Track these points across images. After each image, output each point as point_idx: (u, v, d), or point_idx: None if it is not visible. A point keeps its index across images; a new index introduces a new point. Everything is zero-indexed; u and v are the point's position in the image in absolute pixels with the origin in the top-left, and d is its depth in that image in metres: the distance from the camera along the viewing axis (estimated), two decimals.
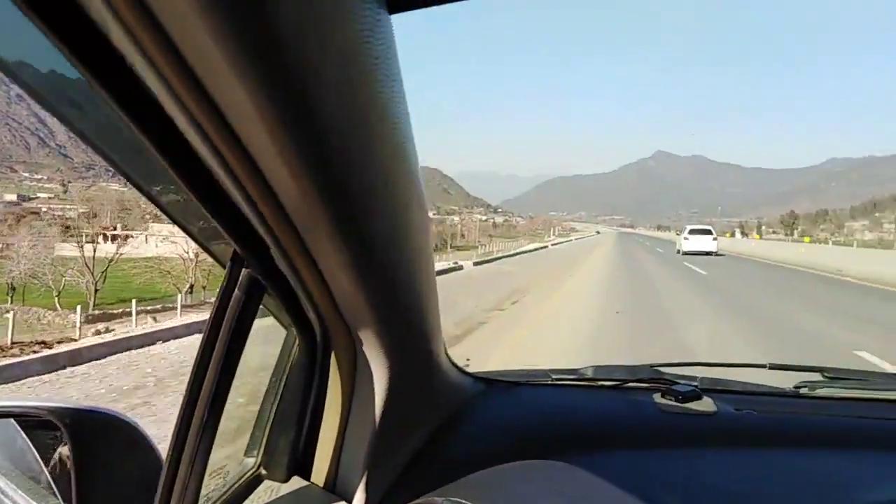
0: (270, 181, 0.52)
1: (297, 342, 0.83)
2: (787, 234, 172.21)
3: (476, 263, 21.81)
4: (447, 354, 1.04)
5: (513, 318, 9.38)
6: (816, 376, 1.28)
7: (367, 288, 0.68)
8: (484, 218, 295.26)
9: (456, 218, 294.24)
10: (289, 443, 0.85)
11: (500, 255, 32.50)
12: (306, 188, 0.53)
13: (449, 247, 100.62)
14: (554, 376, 1.27)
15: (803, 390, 1.23)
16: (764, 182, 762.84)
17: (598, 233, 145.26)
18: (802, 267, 22.47)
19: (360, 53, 0.48)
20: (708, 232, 30.73)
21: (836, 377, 1.28)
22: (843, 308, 10.79)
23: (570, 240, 71.33)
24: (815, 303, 11.68)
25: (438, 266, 18.95)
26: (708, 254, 28.84)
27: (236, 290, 0.64)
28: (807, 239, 50.13)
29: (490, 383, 1.21)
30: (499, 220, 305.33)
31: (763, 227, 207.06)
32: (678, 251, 30.92)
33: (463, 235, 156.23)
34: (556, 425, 1.11)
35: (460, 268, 19.91)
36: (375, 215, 0.61)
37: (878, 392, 1.25)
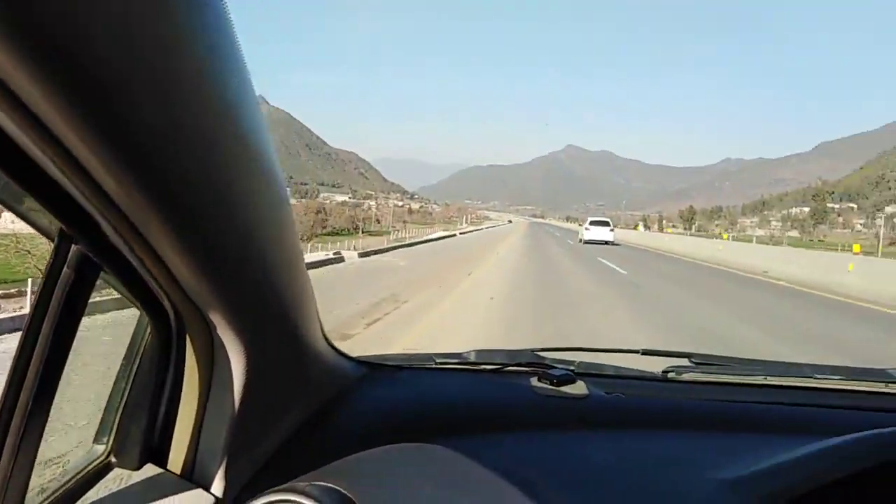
0: (73, 151, 0.47)
1: (149, 324, 0.78)
2: (685, 228, 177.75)
3: (363, 255, 18.00)
4: (326, 338, 1.02)
5: (362, 349, 5.81)
6: (685, 361, 1.31)
7: (212, 273, 0.64)
8: (400, 204, 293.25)
9: (372, 203, 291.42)
10: (141, 429, 0.80)
11: (404, 242, 29.20)
12: (115, 170, 0.48)
13: (361, 231, 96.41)
14: (437, 360, 1.27)
15: (671, 374, 1.26)
16: (665, 178, 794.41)
17: (510, 222, 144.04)
18: (727, 267, 20.29)
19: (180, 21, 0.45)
20: (606, 223, 33.11)
21: (702, 362, 1.31)
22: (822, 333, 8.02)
23: (482, 228, 68.44)
24: (787, 327, 8.85)
25: (312, 258, 15.17)
26: (606, 243, 30.99)
27: (65, 267, 0.59)
28: (725, 236, 49.23)
29: (373, 367, 1.21)
30: (415, 206, 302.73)
31: (664, 221, 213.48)
32: (580, 240, 32.76)
33: (378, 220, 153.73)
34: (436, 409, 1.11)
35: (340, 259, 16.10)
36: (213, 199, 0.57)
37: (738, 376, 1.29)
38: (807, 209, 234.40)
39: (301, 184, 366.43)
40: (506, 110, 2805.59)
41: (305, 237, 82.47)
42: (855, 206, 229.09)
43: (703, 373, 1.28)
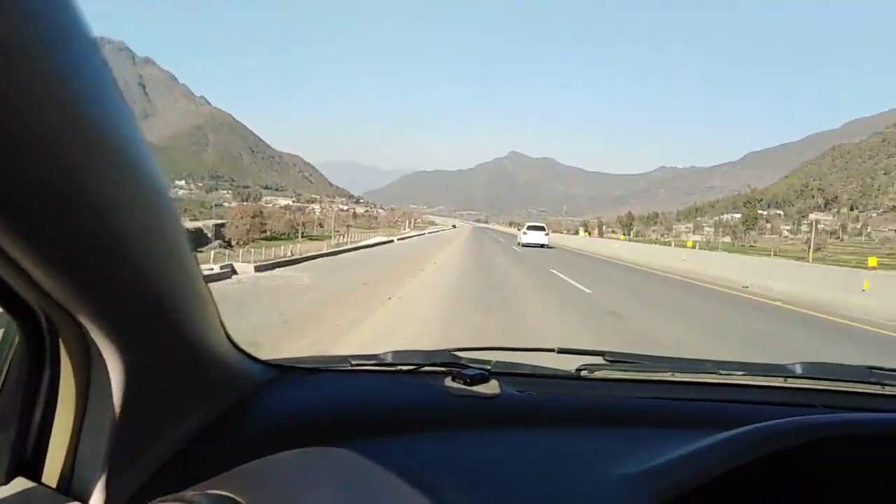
0: None
1: (18, 329, 0.72)
2: (625, 234, 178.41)
3: (260, 268, 14.00)
4: (231, 340, 0.98)
5: None
6: (598, 359, 1.32)
7: (74, 275, 0.59)
8: (345, 208, 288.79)
9: (317, 207, 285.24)
10: (9, 441, 0.73)
11: (343, 248, 25.26)
12: None
13: (301, 235, 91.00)
14: (353, 362, 1.25)
15: (583, 372, 1.27)
16: (604, 185, 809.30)
17: (454, 226, 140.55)
18: (697, 280, 17.26)
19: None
20: (542, 228, 35.97)
21: (615, 360, 1.32)
22: None
23: (424, 233, 63.12)
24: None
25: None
26: (542, 246, 33.47)
27: None
28: (689, 243, 46.27)
29: (284, 370, 1.17)
30: (360, 210, 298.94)
31: (603, 227, 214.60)
32: (519, 243, 35.33)
33: (321, 224, 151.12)
34: (348, 411, 1.09)
35: (227, 275, 12.10)
36: (62, 198, 0.52)
37: (647, 373, 1.32)
38: (738, 215, 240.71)
39: (243, 187, 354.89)
40: (451, 116, 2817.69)
41: (241, 242, 77.40)
42: (781, 212, 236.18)
43: (615, 370, 1.30)
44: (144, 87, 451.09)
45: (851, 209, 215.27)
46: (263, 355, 1.07)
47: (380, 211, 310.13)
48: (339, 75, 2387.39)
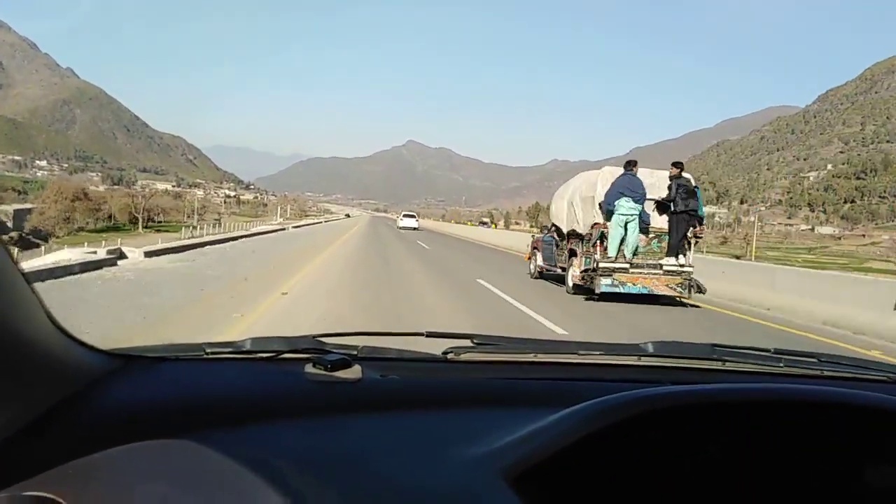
0: None
1: None
2: (531, 226, 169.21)
3: None
4: (59, 327, 0.88)
5: None
6: (467, 342, 1.31)
7: None
8: (232, 194, 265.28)
9: (200, 192, 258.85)
10: None
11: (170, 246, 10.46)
12: None
13: (143, 227, 69.36)
14: (208, 350, 1.18)
15: (450, 355, 1.25)
16: (500, 177, 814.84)
17: (347, 216, 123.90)
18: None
19: None
20: (413, 216, 50.28)
21: (482, 343, 1.32)
22: None
23: (301, 225, 45.81)
24: None
25: None
26: (414, 229, 43.68)
27: None
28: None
29: (129, 360, 1.07)
30: (249, 196, 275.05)
31: (510, 218, 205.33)
32: (398, 227, 45.81)
33: (199, 212, 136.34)
34: (199, 401, 1.00)
35: None
36: None
37: (511, 354, 1.33)
38: None
39: (117, 169, 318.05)
40: (347, 101, 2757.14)
41: (53, 233, 57.91)
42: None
43: (480, 352, 1.29)
44: None
45: (741, 202, 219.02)
46: None
47: (271, 198, 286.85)
48: (230, 55, 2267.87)
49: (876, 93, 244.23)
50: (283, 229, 36.27)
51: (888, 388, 1.35)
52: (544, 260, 12.36)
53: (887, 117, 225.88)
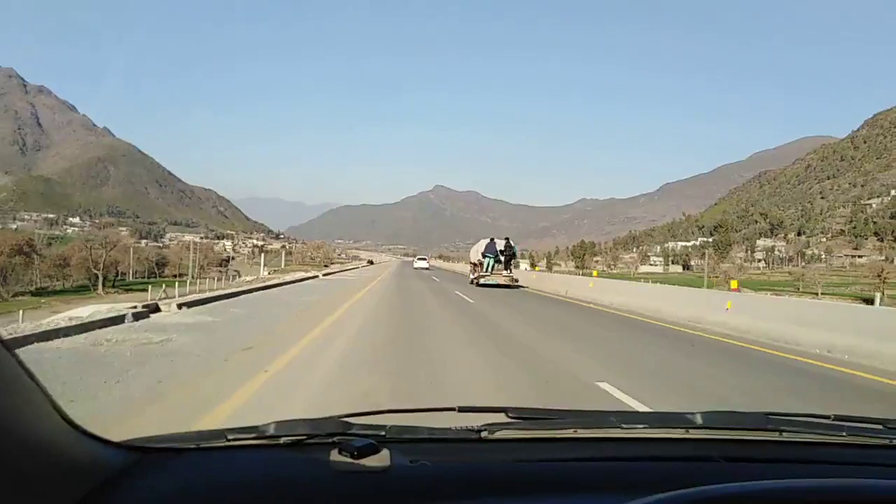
0: None
1: None
2: (577, 266, 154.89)
3: None
4: (72, 424, 0.83)
5: None
6: (501, 416, 1.22)
7: None
8: (261, 243, 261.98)
9: (228, 242, 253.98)
10: None
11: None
12: None
13: (103, 286, 55.23)
14: (230, 436, 1.10)
15: (484, 434, 1.16)
16: (528, 217, 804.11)
17: (370, 262, 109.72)
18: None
19: None
20: (424, 258, 72.52)
21: (517, 417, 1.23)
22: None
23: (306, 278, 30.11)
24: None
25: None
26: (426, 269, 55.69)
27: None
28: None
29: (146, 452, 1.01)
30: (276, 245, 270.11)
31: (553, 259, 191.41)
32: (414, 267, 58.14)
33: (228, 259, 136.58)
34: (222, 494, 0.94)
35: None
36: None
37: (550, 431, 1.23)
38: (682, 244, 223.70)
39: (149, 223, 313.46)
40: (376, 149, 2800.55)
41: None
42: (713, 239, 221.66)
43: (517, 429, 1.21)
44: (38, 118, 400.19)
45: (799, 234, 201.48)
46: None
47: (302, 246, 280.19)
48: (263, 109, 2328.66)
49: None
50: (299, 280, 23.56)
51: None
52: (471, 274, 27.94)
53: None
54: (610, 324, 12.28)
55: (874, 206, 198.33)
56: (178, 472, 0.98)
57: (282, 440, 1.10)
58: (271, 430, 1.11)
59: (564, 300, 18.65)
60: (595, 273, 33.31)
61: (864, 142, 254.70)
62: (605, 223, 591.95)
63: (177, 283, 27.76)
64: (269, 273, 42.46)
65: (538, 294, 21.44)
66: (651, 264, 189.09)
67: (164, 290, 25.09)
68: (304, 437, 1.09)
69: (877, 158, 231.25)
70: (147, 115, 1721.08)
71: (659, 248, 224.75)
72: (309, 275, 31.85)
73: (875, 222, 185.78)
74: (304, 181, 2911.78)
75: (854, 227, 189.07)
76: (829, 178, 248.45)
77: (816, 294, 62.90)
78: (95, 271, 57.65)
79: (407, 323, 10.72)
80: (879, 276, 72.01)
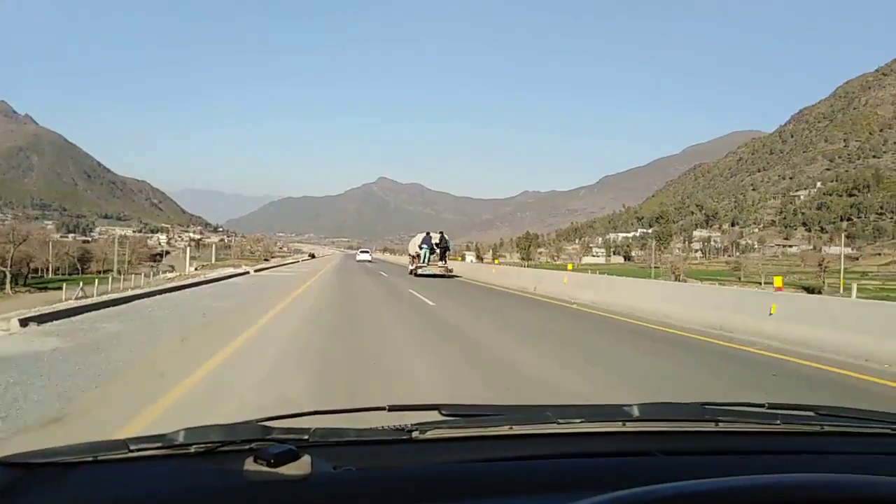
0: None
1: None
2: (522, 259, 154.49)
3: None
4: None
5: None
6: (434, 414, 1.16)
7: None
8: (198, 237, 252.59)
9: (163, 236, 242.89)
10: None
11: None
12: None
13: (10, 285, 48.91)
14: (133, 447, 0.96)
15: (415, 434, 1.09)
16: (472, 210, 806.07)
17: (312, 256, 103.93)
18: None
19: None
20: (367, 251, 71.33)
21: (450, 414, 1.17)
22: None
23: (234, 275, 25.30)
24: None
25: None
26: (369, 262, 56.67)
27: None
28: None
29: (29, 469, 0.89)
30: (215, 239, 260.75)
31: (499, 251, 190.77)
32: (357, 260, 59.16)
33: (161, 254, 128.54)
34: None
35: None
36: None
37: (484, 429, 1.16)
38: (624, 234, 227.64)
39: (77, 216, 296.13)
40: (317, 140, 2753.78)
41: None
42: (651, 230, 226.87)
43: (449, 428, 1.15)
44: None
45: (733, 224, 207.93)
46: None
47: (241, 239, 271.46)
48: (199, 99, 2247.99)
49: (854, 108, 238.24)
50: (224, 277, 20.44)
51: (892, 442, 1.27)
52: (410, 265, 29.59)
53: (870, 133, 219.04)
54: (626, 337, 9.25)
55: (802, 197, 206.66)
56: (69, 490, 0.87)
57: (192, 449, 0.99)
58: (180, 439, 1.00)
59: (545, 300, 15.87)
60: (570, 267, 31.06)
61: (792, 136, 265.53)
62: (548, 215, 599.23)
63: (96, 281, 24.14)
64: (195, 269, 38.59)
65: (506, 292, 18.52)
66: (593, 255, 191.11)
67: (74, 290, 21.55)
68: (216, 445, 0.99)
69: (803, 152, 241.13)
70: (74, 103, 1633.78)
71: (601, 239, 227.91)
72: (238, 271, 28.66)
73: (803, 213, 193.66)
74: (244, 173, 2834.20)
75: (784, 218, 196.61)
76: (759, 171, 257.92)
77: (759, 283, 63.42)
78: (2, 268, 51.74)
79: (353, 358, 6.74)
80: (820, 265, 73.53)
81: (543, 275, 20.67)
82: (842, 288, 53.40)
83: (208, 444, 0.98)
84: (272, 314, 10.62)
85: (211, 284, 18.73)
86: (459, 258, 76.67)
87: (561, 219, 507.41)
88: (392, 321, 10.49)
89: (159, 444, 0.98)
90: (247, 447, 0.96)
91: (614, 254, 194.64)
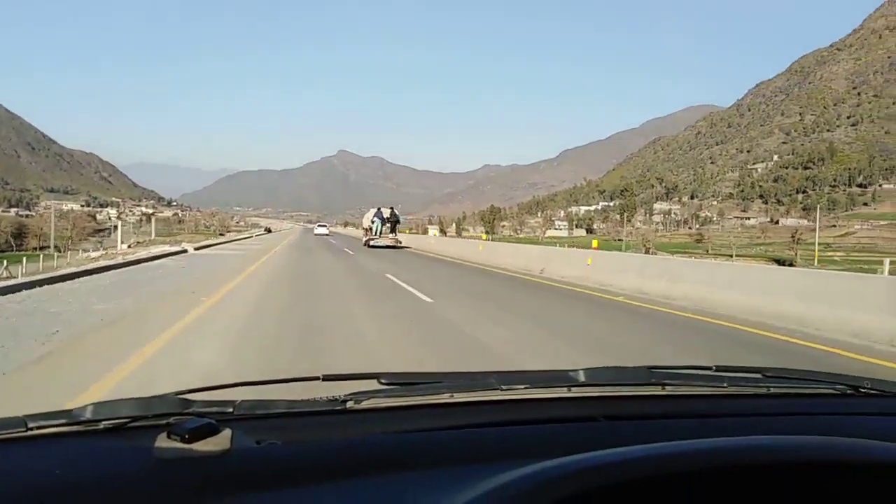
0: None
1: None
2: (487, 232, 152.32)
3: None
4: None
5: None
6: (373, 383, 1.10)
7: None
8: (151, 212, 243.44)
9: (113, 210, 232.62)
10: None
11: None
12: None
13: None
14: (32, 424, 0.87)
15: (350, 403, 1.02)
16: (434, 183, 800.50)
17: (268, 230, 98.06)
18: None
19: None
20: (325, 225, 71.82)
21: (393, 383, 1.12)
22: None
23: (168, 254, 21.22)
24: None
25: None
26: (326, 235, 59.16)
27: None
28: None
29: None
30: (168, 213, 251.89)
31: (463, 224, 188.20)
32: (315, 234, 60.64)
33: (109, 229, 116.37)
34: (20, 497, 0.73)
35: None
36: None
37: (424, 397, 1.12)
38: (585, 208, 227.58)
39: (21, 190, 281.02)
40: (275, 112, 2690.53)
41: None
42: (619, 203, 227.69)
43: (387, 397, 1.08)
44: None
45: (692, 197, 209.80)
46: None
47: (197, 214, 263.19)
48: (152, 70, 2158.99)
49: (810, 83, 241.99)
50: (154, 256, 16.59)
51: (837, 403, 1.28)
52: (364, 237, 32.19)
53: (824, 107, 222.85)
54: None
55: (759, 170, 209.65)
56: None
57: (101, 425, 0.89)
58: (87, 414, 0.90)
59: (567, 288, 12.10)
60: (595, 244, 24.14)
61: (749, 110, 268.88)
62: (509, 189, 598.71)
63: (24, 259, 20.16)
64: (128, 247, 34.28)
65: (508, 276, 14.92)
66: (556, 228, 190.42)
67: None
68: (128, 421, 0.90)
69: (760, 126, 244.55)
70: (16, 70, 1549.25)
71: (563, 212, 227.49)
72: (173, 249, 23.92)
73: (760, 186, 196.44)
74: (200, 146, 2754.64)
75: (742, 191, 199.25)
76: (717, 144, 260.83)
77: (731, 256, 62.32)
78: None
79: None
80: (793, 237, 72.97)
81: (552, 254, 17.68)
82: (816, 260, 52.28)
83: (119, 420, 0.90)
84: (184, 323, 6.86)
85: (124, 269, 14.58)
86: (423, 232, 74.44)
87: (522, 192, 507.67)
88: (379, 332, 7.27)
89: (64, 421, 0.89)
90: (163, 422, 0.87)
91: (577, 227, 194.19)
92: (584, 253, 15.55)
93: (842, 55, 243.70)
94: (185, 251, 23.94)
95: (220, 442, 0.82)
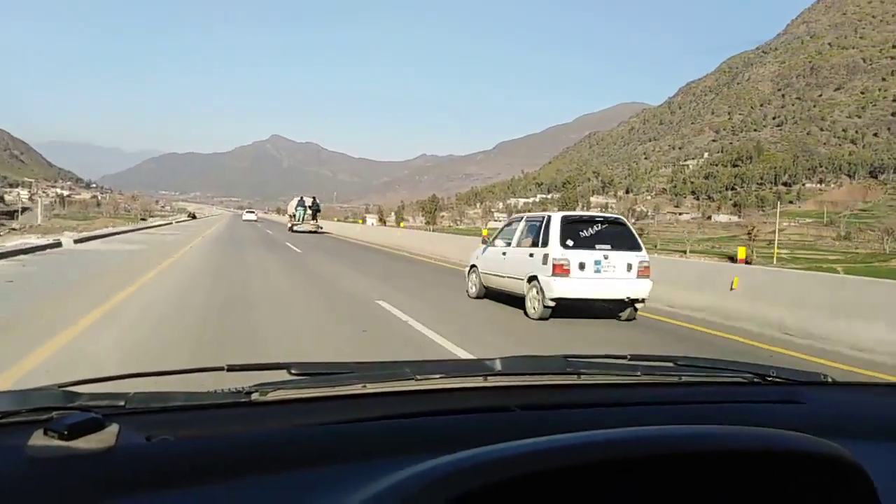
0: None
1: None
2: (427, 222, 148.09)
3: None
4: None
5: None
6: (282, 374, 1.03)
7: None
8: (67, 193, 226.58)
9: (24, 191, 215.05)
10: None
11: None
12: None
13: None
14: None
15: (255, 395, 0.96)
16: (370, 172, 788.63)
17: (192, 216, 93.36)
18: None
19: None
20: (253, 212, 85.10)
21: (303, 373, 1.05)
22: None
23: (31, 249, 15.34)
24: None
25: None
26: (255, 221, 66.55)
27: None
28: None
29: None
30: (86, 196, 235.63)
31: (401, 214, 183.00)
32: (243, 220, 68.03)
33: (18, 211, 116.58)
34: None
35: None
36: None
37: (335, 388, 1.06)
38: (524, 200, 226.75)
39: None
40: (203, 93, 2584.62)
41: None
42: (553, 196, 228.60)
43: (295, 388, 1.01)
44: None
45: (627, 192, 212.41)
46: None
47: (118, 196, 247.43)
48: (71, 43, 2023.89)
49: (738, 84, 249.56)
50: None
51: (746, 391, 1.30)
52: (289, 223, 41.62)
53: (751, 107, 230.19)
54: None
55: (691, 167, 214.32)
56: None
57: None
58: None
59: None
60: (742, 253, 19.64)
61: (680, 108, 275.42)
62: (445, 179, 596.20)
63: None
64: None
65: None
66: (495, 220, 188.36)
67: None
68: (1, 416, 0.80)
69: (692, 123, 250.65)
70: None
71: (501, 204, 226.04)
72: (42, 242, 17.54)
73: (692, 182, 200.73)
74: (123, 126, 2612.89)
75: (674, 187, 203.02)
76: (650, 140, 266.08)
77: (684, 253, 60.60)
78: None
79: None
80: (750, 234, 72.30)
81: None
82: (775, 258, 50.80)
83: None
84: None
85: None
86: (361, 221, 70.74)
87: (459, 183, 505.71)
88: None
89: None
90: (42, 417, 0.78)
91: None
92: (726, 272, 11.17)
93: (767, 58, 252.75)
94: (58, 244, 17.77)
95: (104, 438, 0.74)
